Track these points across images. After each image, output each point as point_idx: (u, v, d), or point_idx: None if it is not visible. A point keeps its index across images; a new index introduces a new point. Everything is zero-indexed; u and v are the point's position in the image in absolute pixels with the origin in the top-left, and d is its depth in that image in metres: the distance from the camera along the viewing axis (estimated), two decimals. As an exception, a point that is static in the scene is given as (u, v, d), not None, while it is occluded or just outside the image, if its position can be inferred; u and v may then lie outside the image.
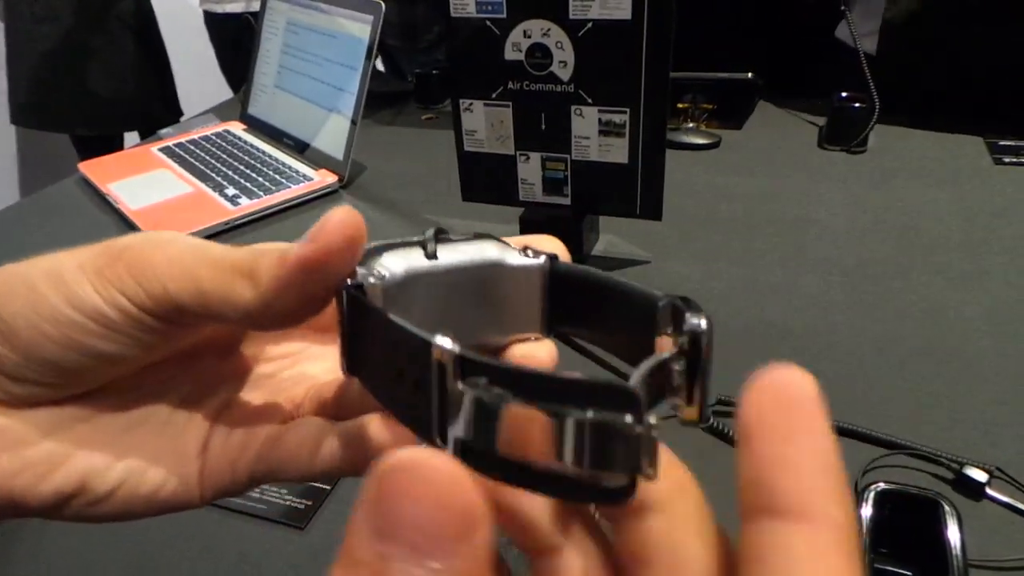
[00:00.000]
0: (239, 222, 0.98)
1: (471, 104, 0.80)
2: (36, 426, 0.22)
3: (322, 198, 1.04)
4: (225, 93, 1.90)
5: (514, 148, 0.80)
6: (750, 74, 1.20)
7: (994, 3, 1.06)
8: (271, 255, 0.21)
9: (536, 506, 0.18)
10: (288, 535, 0.54)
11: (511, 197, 0.83)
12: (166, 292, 0.21)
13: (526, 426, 0.16)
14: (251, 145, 1.19)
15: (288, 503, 0.56)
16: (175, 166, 1.14)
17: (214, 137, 1.23)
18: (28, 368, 0.21)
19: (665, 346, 0.20)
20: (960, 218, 0.90)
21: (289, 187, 1.04)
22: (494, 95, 0.78)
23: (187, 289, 0.21)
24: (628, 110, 0.73)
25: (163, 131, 1.33)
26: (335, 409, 0.26)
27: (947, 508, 0.45)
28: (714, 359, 0.19)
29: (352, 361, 0.23)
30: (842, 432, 0.59)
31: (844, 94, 1.11)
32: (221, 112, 1.40)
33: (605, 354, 0.26)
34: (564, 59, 0.73)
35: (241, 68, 1.34)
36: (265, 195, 1.02)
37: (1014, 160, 1.03)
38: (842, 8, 1.12)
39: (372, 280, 0.22)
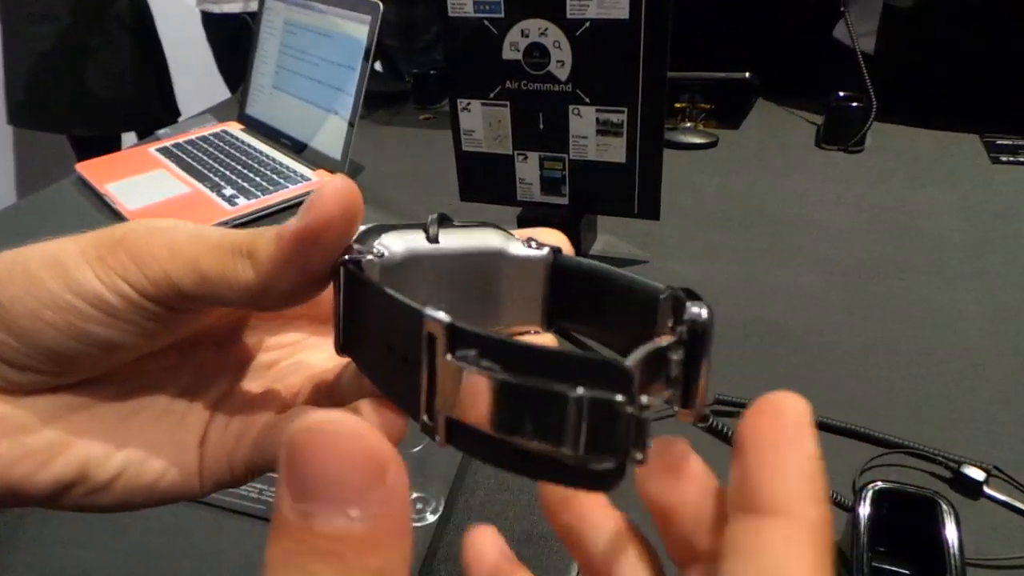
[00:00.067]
0: (237, 222, 0.98)
1: (469, 104, 0.80)
2: (36, 413, 0.22)
3: (320, 198, 1.03)
4: (223, 93, 1.89)
5: (512, 148, 0.80)
6: (747, 74, 1.20)
7: (992, 3, 1.07)
8: (268, 234, 0.21)
9: (596, 528, 0.20)
10: (287, 535, 0.54)
11: (509, 197, 0.83)
12: (167, 277, 0.21)
13: (513, 403, 0.16)
14: (249, 145, 1.19)
15: (286, 503, 0.56)
16: (173, 166, 1.14)
17: (212, 137, 1.23)
18: (27, 355, 0.21)
19: (665, 339, 0.19)
20: (958, 217, 0.90)
21: (287, 187, 1.04)
22: (492, 95, 0.78)
23: (188, 273, 0.21)
24: (626, 109, 0.73)
25: (161, 131, 1.33)
26: (331, 396, 0.26)
27: (945, 507, 0.45)
28: (714, 355, 0.19)
29: (346, 339, 0.22)
30: (840, 431, 0.59)
31: (841, 94, 1.11)
32: (219, 112, 1.40)
33: (606, 351, 0.26)
34: (562, 58, 0.73)
35: (239, 68, 1.34)
36: (263, 195, 1.02)
37: (1011, 159, 1.04)
38: (841, 8, 1.12)
39: (370, 257, 0.22)
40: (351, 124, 1.04)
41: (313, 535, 0.15)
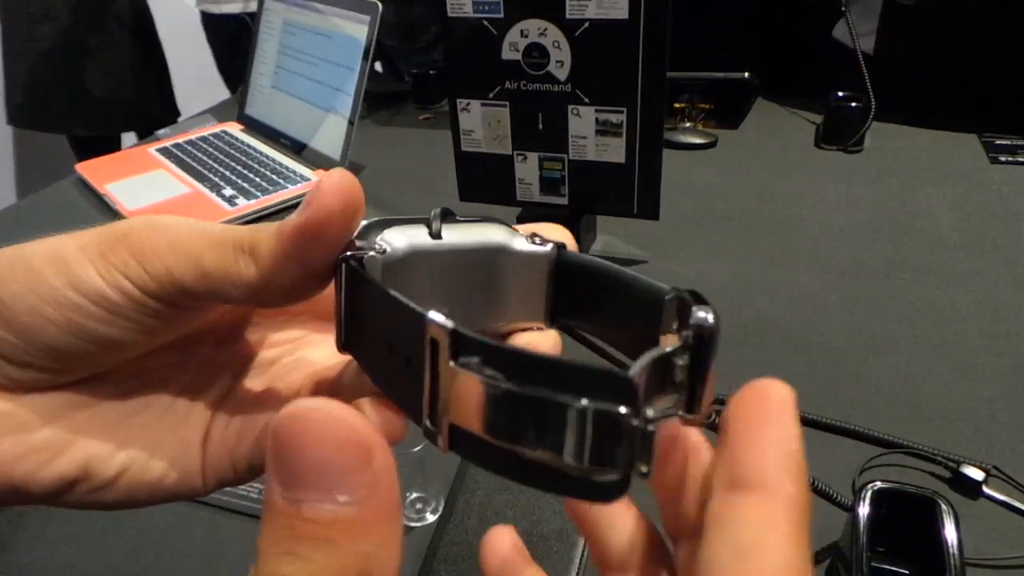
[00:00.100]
0: (236, 223, 0.98)
1: (468, 104, 0.80)
2: (37, 411, 0.22)
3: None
4: (222, 94, 1.89)
5: (511, 148, 0.80)
6: (747, 74, 1.20)
7: (991, 3, 1.07)
8: (270, 229, 0.21)
9: (615, 526, 0.20)
10: (286, 535, 0.54)
11: (508, 197, 0.83)
12: (169, 274, 0.21)
13: (517, 412, 0.16)
14: (248, 146, 1.19)
15: (286, 503, 0.56)
16: (172, 167, 1.14)
17: (211, 138, 1.23)
18: (28, 352, 0.21)
19: (670, 341, 0.19)
20: (956, 217, 0.90)
21: (287, 188, 1.04)
22: (491, 95, 0.78)
23: (190, 270, 0.21)
24: (625, 110, 0.73)
25: (160, 132, 1.33)
26: (332, 394, 0.26)
27: (944, 507, 0.45)
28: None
29: (347, 336, 0.22)
30: (840, 431, 0.59)
31: (840, 93, 1.11)
32: (218, 113, 1.40)
33: (610, 348, 0.25)
34: (561, 59, 0.73)
35: (238, 68, 1.34)
36: (263, 195, 1.02)
37: (1010, 159, 1.04)
38: (842, 9, 1.12)
39: (372, 253, 0.21)
40: (351, 124, 1.04)
41: (303, 521, 0.15)
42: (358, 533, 0.15)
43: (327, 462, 0.15)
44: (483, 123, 0.80)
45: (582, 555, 0.49)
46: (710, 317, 0.18)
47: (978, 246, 0.84)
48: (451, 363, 0.17)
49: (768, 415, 0.17)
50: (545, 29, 0.72)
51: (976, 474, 0.53)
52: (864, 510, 0.45)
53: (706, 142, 1.15)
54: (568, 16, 0.70)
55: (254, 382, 0.27)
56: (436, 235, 0.23)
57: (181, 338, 0.25)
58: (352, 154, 1.05)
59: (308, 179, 1.06)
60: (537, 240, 0.24)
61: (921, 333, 0.70)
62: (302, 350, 0.28)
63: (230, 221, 0.97)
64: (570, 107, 0.75)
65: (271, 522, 0.15)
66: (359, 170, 1.12)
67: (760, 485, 0.16)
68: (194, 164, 1.14)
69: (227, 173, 1.10)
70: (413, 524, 0.54)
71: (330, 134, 1.08)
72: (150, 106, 2.22)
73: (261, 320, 0.28)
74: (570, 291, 0.25)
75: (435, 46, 1.58)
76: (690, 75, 1.18)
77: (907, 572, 0.45)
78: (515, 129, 0.79)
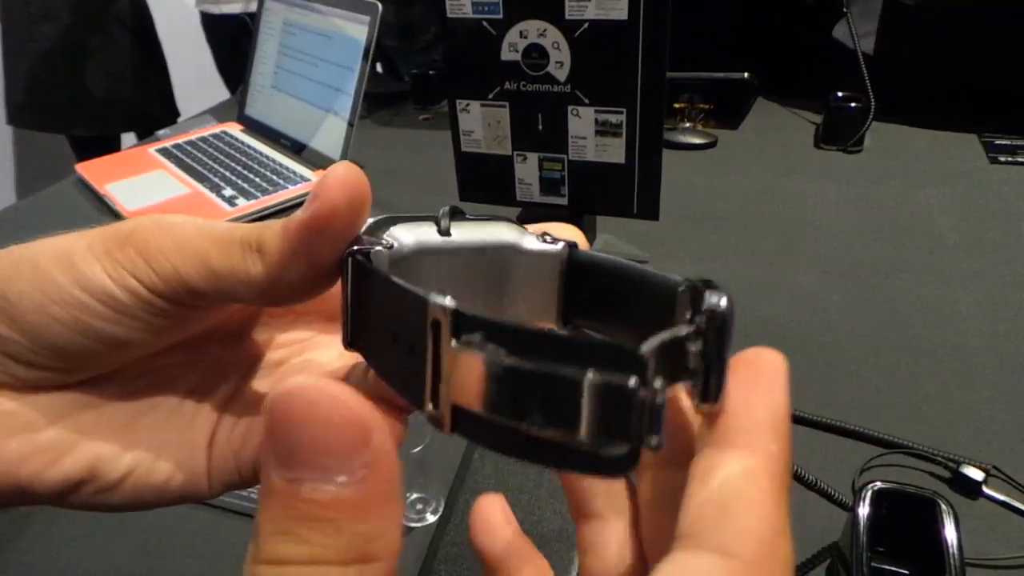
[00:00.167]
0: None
1: (468, 104, 0.80)
2: (44, 411, 0.22)
3: (319, 199, 1.03)
4: (222, 94, 1.90)
5: (511, 148, 0.81)
6: (746, 74, 1.20)
7: (991, 4, 1.07)
8: (275, 226, 0.21)
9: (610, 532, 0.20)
10: (287, 536, 0.54)
11: (508, 197, 0.83)
12: (176, 272, 0.21)
13: (521, 388, 0.16)
14: (248, 146, 1.19)
15: (286, 504, 0.56)
16: (172, 167, 1.14)
17: (211, 138, 1.23)
18: (33, 351, 0.21)
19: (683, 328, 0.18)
20: (956, 217, 0.90)
21: (286, 188, 1.04)
22: (491, 95, 0.78)
23: (196, 268, 0.21)
24: (624, 110, 0.73)
25: (160, 132, 1.33)
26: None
27: (944, 507, 0.45)
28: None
29: (353, 332, 0.22)
30: (840, 431, 0.59)
31: (840, 94, 1.11)
32: (218, 113, 1.40)
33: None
34: (561, 59, 0.73)
35: (238, 69, 1.34)
36: (263, 196, 1.02)
37: (1010, 159, 1.04)
38: (844, 10, 1.12)
39: (378, 248, 0.21)
40: (350, 124, 1.04)
41: (301, 501, 0.15)
42: (358, 514, 0.15)
43: (325, 442, 0.15)
44: (483, 123, 0.80)
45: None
46: (723, 301, 0.17)
47: (978, 246, 0.84)
48: (453, 342, 0.16)
49: (759, 380, 0.17)
50: (544, 30, 0.72)
51: (976, 474, 0.53)
52: (864, 510, 0.45)
53: (706, 142, 1.15)
54: (567, 17, 0.70)
55: (261, 384, 0.27)
56: (445, 232, 0.22)
57: (188, 338, 0.25)
58: (352, 154, 1.05)
59: (308, 179, 1.06)
60: (548, 239, 0.24)
61: (921, 333, 0.70)
62: (309, 352, 0.28)
63: (231, 221, 0.97)
64: (570, 108, 0.75)
65: (269, 503, 0.15)
66: (360, 169, 1.12)
67: (744, 444, 0.16)
68: (194, 164, 1.14)
69: (227, 173, 1.10)
70: (413, 524, 0.54)
71: (330, 134, 1.08)
72: (150, 106, 2.22)
73: (268, 320, 0.28)
74: (583, 291, 0.24)
75: (435, 46, 1.58)
76: (690, 75, 1.18)
77: (907, 572, 0.45)
78: (515, 130, 0.79)
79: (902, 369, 0.66)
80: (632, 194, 0.77)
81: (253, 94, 1.27)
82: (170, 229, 0.21)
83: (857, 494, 0.47)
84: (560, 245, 0.24)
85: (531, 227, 0.24)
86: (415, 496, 0.55)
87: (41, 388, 0.22)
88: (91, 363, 0.22)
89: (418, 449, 0.54)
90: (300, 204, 0.21)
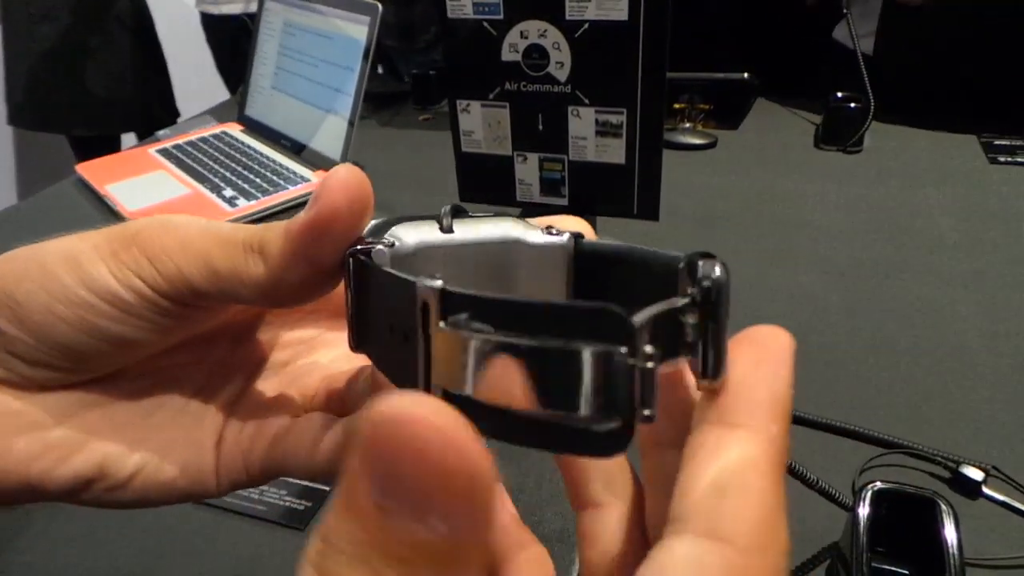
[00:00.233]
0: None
1: (468, 105, 0.80)
2: (52, 410, 0.22)
3: (320, 199, 1.04)
4: (222, 94, 1.90)
5: (511, 149, 0.81)
6: (746, 74, 1.20)
7: (991, 4, 1.07)
8: (278, 228, 0.21)
9: (588, 462, 0.19)
10: (288, 536, 0.54)
11: (509, 198, 0.83)
12: (180, 273, 0.21)
13: (506, 364, 0.15)
14: (248, 146, 1.19)
15: (288, 504, 0.56)
16: (173, 168, 1.14)
17: (211, 139, 1.23)
18: (40, 350, 0.21)
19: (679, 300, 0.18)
20: (956, 217, 0.90)
21: (287, 188, 1.04)
22: (491, 96, 0.78)
23: (200, 269, 0.21)
24: (625, 111, 0.73)
25: (160, 132, 1.33)
26: (345, 400, 0.26)
27: (944, 507, 0.45)
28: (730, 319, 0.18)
29: (359, 334, 0.22)
30: (839, 431, 0.59)
31: (840, 94, 1.11)
32: (218, 113, 1.40)
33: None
34: (561, 60, 0.73)
35: (238, 69, 1.34)
36: (263, 196, 1.02)
37: (1009, 159, 1.04)
38: (844, 12, 1.12)
39: (380, 247, 0.21)
40: (351, 125, 1.04)
41: (387, 534, 0.13)
42: (445, 563, 0.14)
43: (432, 484, 0.13)
44: (483, 124, 0.80)
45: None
46: (717, 269, 0.17)
47: (977, 246, 0.84)
48: (441, 323, 0.16)
49: (763, 358, 0.17)
50: (545, 30, 0.72)
51: (976, 474, 0.53)
52: (864, 510, 0.45)
53: (706, 143, 1.15)
54: (568, 17, 0.70)
55: (268, 385, 0.27)
56: (447, 230, 0.22)
57: (194, 338, 0.25)
58: (352, 155, 1.05)
59: (308, 180, 1.06)
60: (553, 232, 0.23)
61: (921, 333, 0.70)
62: (316, 352, 0.28)
63: (232, 222, 0.97)
64: (570, 108, 0.75)
65: (348, 517, 0.14)
66: (362, 171, 1.12)
67: (743, 424, 0.16)
68: (194, 165, 1.14)
69: (227, 174, 1.10)
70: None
71: (330, 135, 1.08)
72: (150, 107, 2.22)
73: (274, 319, 0.28)
74: (591, 281, 0.23)
75: (435, 46, 1.58)
76: (690, 75, 1.18)
77: (907, 572, 0.45)
78: (515, 130, 0.79)
79: (902, 369, 0.66)
80: (632, 194, 0.77)
81: (253, 94, 1.27)
82: (174, 230, 0.22)
83: (857, 494, 0.47)
84: (565, 237, 0.23)
85: (536, 220, 0.24)
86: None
87: (49, 388, 0.22)
88: (97, 362, 0.22)
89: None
90: (301, 205, 0.21)
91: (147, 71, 2.21)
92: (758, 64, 1.22)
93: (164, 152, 1.20)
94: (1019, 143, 1.08)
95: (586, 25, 0.70)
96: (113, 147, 2.08)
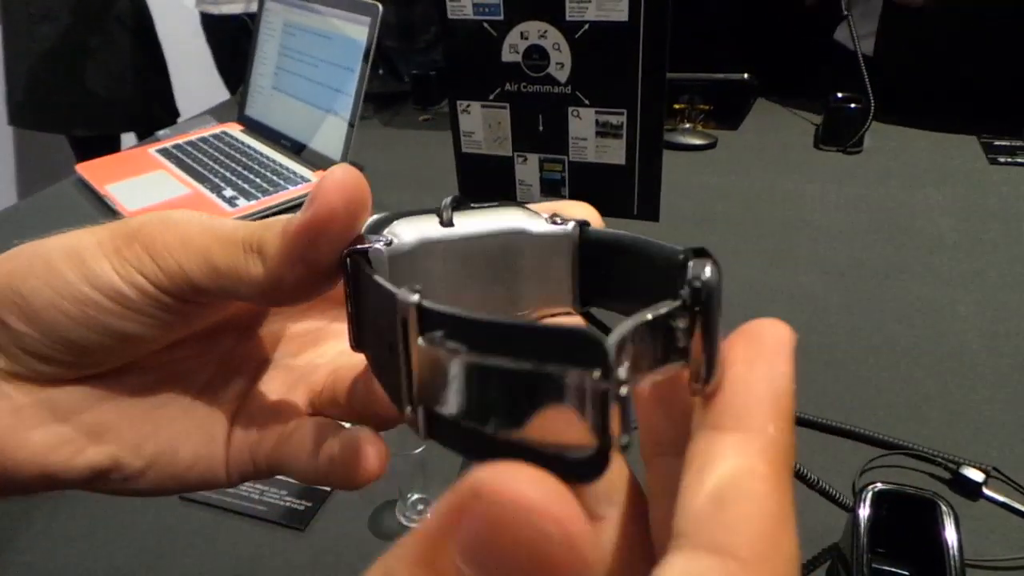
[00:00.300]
0: (237, 224, 0.98)
1: (468, 106, 0.80)
2: (67, 403, 0.23)
3: (320, 199, 1.04)
4: (222, 94, 1.90)
5: (512, 149, 0.81)
6: (746, 75, 1.20)
7: (991, 5, 1.07)
8: (276, 227, 0.21)
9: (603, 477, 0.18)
10: (288, 536, 0.54)
11: (509, 198, 0.83)
12: (181, 270, 0.21)
13: (481, 386, 0.15)
14: (248, 147, 1.19)
15: (288, 504, 0.56)
16: (173, 167, 1.14)
17: (211, 139, 1.23)
18: (47, 346, 0.21)
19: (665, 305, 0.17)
20: (955, 218, 0.90)
21: (287, 188, 1.04)
22: (491, 96, 0.78)
23: (200, 267, 0.21)
24: (625, 111, 0.73)
25: (161, 132, 1.33)
26: (352, 398, 0.26)
27: (944, 508, 0.45)
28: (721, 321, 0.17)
29: (358, 334, 0.21)
30: (840, 432, 0.59)
31: (840, 95, 1.11)
32: (218, 113, 1.40)
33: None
34: (561, 60, 0.73)
35: (238, 69, 1.34)
36: (263, 196, 1.02)
37: (1009, 160, 1.04)
38: (845, 13, 1.12)
39: (377, 245, 0.20)
40: (351, 125, 1.04)
41: None
42: None
43: (526, 568, 0.12)
44: (483, 125, 0.80)
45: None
46: (707, 271, 0.16)
47: (977, 247, 0.84)
48: (420, 340, 0.16)
49: (759, 353, 0.16)
50: (545, 31, 0.72)
51: (976, 475, 0.53)
52: (864, 511, 0.45)
53: (706, 143, 1.15)
54: (568, 18, 0.70)
55: (275, 380, 0.27)
56: (447, 223, 0.22)
57: (201, 331, 0.25)
58: (352, 155, 1.05)
59: (308, 180, 1.06)
60: (558, 220, 0.22)
61: (921, 334, 0.70)
62: (324, 343, 0.28)
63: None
64: (570, 109, 0.75)
65: (424, 568, 0.13)
66: (359, 171, 1.12)
67: (740, 426, 0.15)
68: (194, 165, 1.14)
69: (227, 174, 1.10)
70: (415, 525, 0.54)
71: (330, 135, 1.08)
72: (150, 106, 2.22)
73: (280, 311, 0.28)
74: (598, 270, 0.23)
75: (435, 46, 1.58)
76: (690, 76, 1.18)
77: (907, 573, 0.45)
78: (515, 131, 0.79)
79: (902, 370, 0.66)
80: (632, 195, 0.77)
81: (253, 95, 1.27)
82: (174, 226, 0.22)
83: (857, 495, 0.47)
84: (570, 225, 0.22)
85: (541, 206, 0.23)
86: (416, 496, 0.55)
87: (61, 382, 0.22)
88: (103, 357, 0.22)
89: (419, 450, 0.54)
90: (301, 205, 0.21)
91: (147, 71, 2.21)
92: (758, 64, 1.22)
93: (164, 152, 1.20)
94: (1019, 144, 1.08)
95: (586, 26, 0.70)
96: (113, 147, 2.08)
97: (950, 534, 0.44)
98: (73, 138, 2.31)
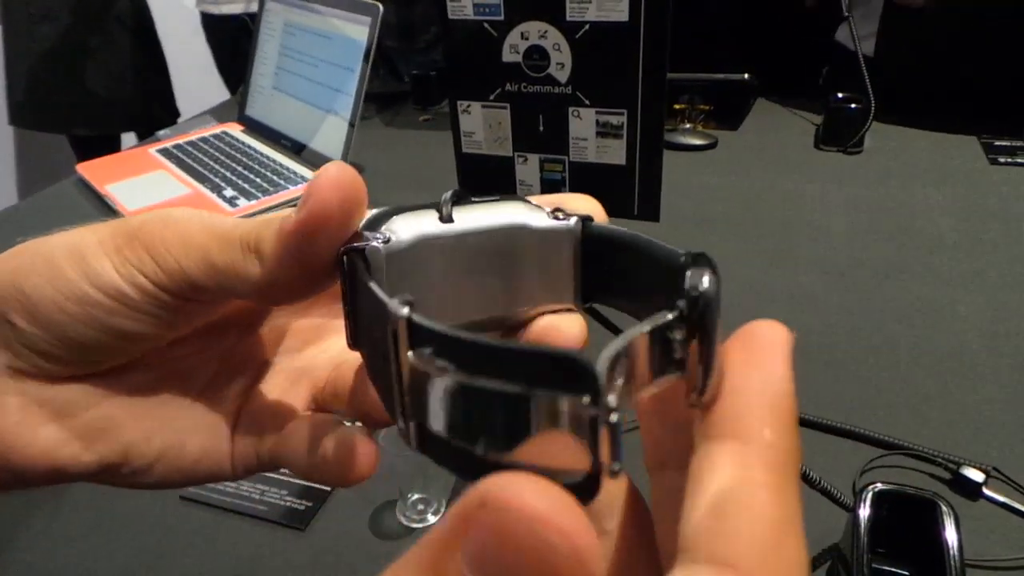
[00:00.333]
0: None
1: (469, 106, 0.80)
2: (75, 399, 0.23)
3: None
4: (223, 94, 1.90)
5: (512, 150, 0.81)
6: (746, 75, 1.20)
7: (991, 6, 1.07)
8: (273, 225, 0.21)
9: (603, 492, 0.18)
10: (288, 536, 0.54)
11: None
12: (181, 269, 0.21)
13: (469, 406, 0.14)
14: (249, 147, 1.19)
15: (288, 504, 0.56)
16: (173, 167, 1.14)
17: (212, 139, 1.23)
18: (51, 344, 0.21)
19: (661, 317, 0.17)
20: (956, 218, 0.90)
21: (287, 188, 1.04)
22: (492, 97, 0.78)
23: (200, 266, 0.21)
24: (625, 111, 0.73)
25: (161, 132, 1.33)
26: (354, 395, 0.26)
27: (944, 508, 0.45)
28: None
29: (355, 333, 0.21)
30: (840, 432, 0.59)
31: (840, 95, 1.11)
32: (218, 113, 1.40)
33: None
34: (562, 61, 0.73)
35: (239, 69, 1.34)
36: (263, 196, 1.02)
37: (1009, 160, 1.04)
38: (846, 15, 1.12)
39: (374, 244, 0.20)
40: (351, 125, 1.04)
41: None
42: None
43: None
44: (484, 125, 0.80)
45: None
46: (705, 281, 0.16)
47: (978, 247, 0.84)
48: (410, 355, 0.15)
49: (754, 357, 0.15)
50: (545, 31, 0.72)
51: (976, 475, 0.53)
52: (865, 512, 0.45)
53: (706, 143, 1.15)
54: (568, 18, 0.70)
55: (279, 375, 0.27)
56: (447, 219, 0.21)
57: (205, 327, 0.25)
58: (352, 155, 1.05)
59: (309, 180, 1.06)
60: (560, 215, 0.22)
61: (921, 334, 0.70)
62: (327, 339, 0.28)
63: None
64: (570, 109, 0.75)
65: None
66: (360, 171, 1.12)
67: (736, 434, 0.14)
68: (195, 165, 1.14)
69: (228, 174, 1.10)
70: (415, 525, 0.54)
71: (330, 135, 1.08)
72: (150, 106, 2.22)
73: (284, 306, 0.28)
74: (599, 266, 0.22)
75: (435, 46, 1.58)
76: (690, 76, 1.18)
77: (907, 573, 0.45)
78: (516, 131, 0.79)
79: (902, 370, 0.66)
80: (633, 195, 0.77)
81: (254, 95, 1.27)
82: (174, 224, 0.22)
83: (858, 495, 0.47)
84: (573, 220, 0.22)
85: (543, 199, 0.23)
86: (416, 497, 0.55)
87: (67, 379, 0.23)
88: (106, 355, 0.23)
89: (419, 450, 0.54)
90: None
91: (147, 71, 2.21)
92: (758, 65, 1.22)
93: (164, 152, 1.20)
94: (1019, 144, 1.08)
95: (587, 26, 0.70)
96: (113, 147, 2.08)
97: (950, 534, 0.44)
98: (73, 138, 2.31)
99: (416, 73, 1.38)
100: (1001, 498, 0.53)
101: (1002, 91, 1.10)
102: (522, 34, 0.73)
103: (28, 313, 0.21)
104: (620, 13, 0.68)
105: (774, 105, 1.30)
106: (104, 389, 0.23)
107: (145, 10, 2.19)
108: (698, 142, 1.15)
